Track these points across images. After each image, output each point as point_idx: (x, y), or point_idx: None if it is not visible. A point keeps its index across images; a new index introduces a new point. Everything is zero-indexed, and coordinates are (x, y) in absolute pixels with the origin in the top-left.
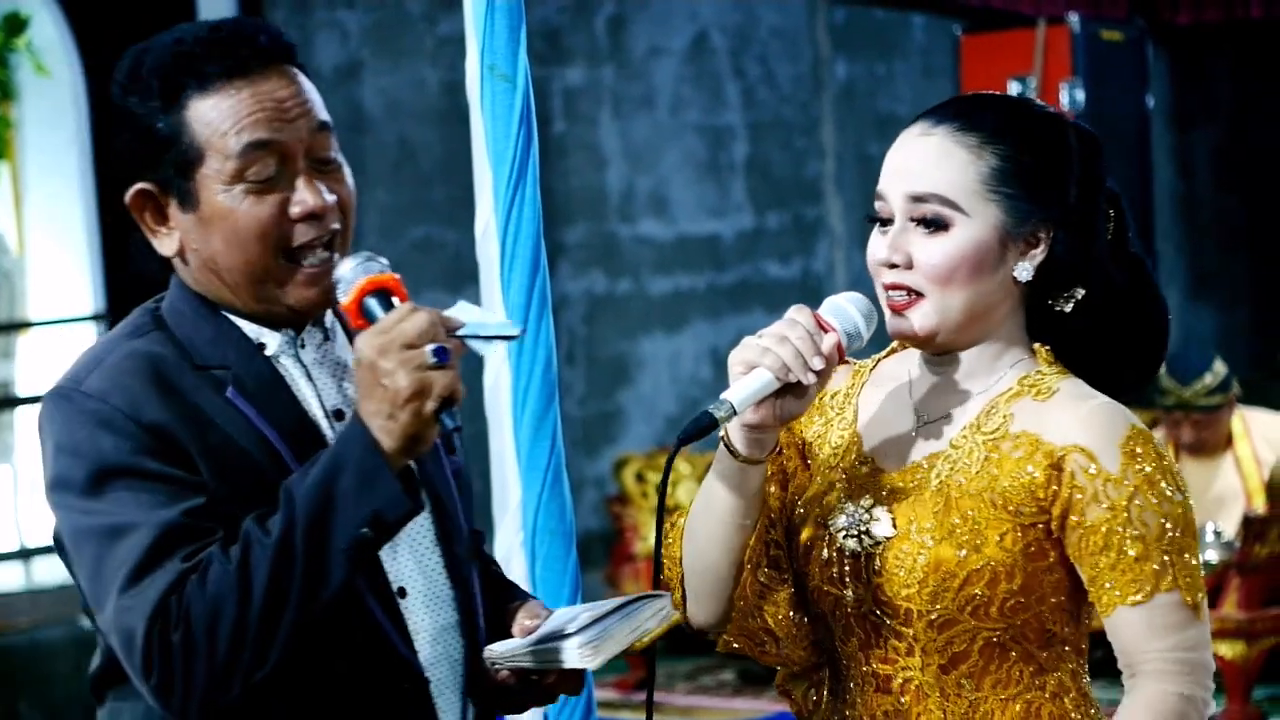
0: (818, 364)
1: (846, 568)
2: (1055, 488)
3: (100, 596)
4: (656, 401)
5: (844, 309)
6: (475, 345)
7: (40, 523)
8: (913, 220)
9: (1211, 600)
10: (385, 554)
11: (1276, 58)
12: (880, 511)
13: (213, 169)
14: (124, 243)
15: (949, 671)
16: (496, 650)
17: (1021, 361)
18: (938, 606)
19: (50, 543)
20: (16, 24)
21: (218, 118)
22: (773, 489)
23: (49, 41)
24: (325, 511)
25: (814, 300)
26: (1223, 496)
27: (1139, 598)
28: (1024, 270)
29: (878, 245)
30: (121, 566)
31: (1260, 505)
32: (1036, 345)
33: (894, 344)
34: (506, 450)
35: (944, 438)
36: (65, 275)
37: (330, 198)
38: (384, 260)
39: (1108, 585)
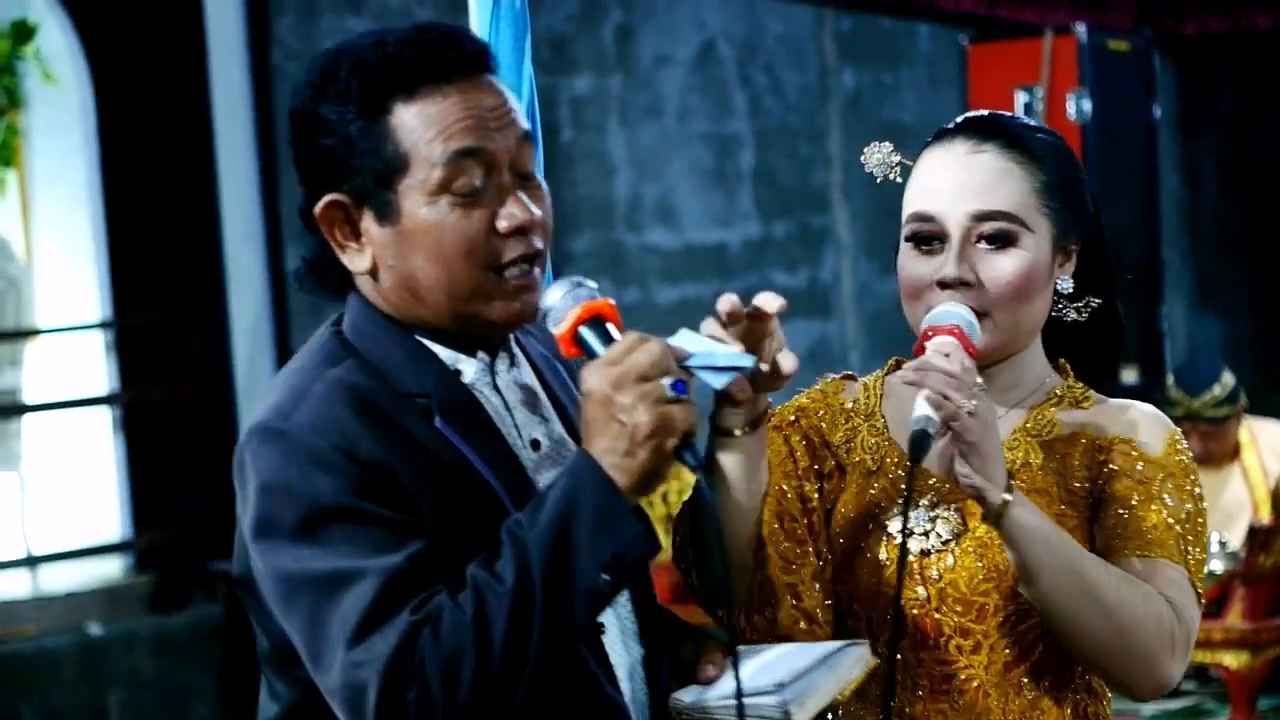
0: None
1: (915, 566)
2: (1101, 473)
3: (320, 651)
4: None
5: (960, 314)
6: (706, 377)
7: (46, 530)
8: (978, 238)
9: (1217, 610)
10: None
11: None
12: (944, 510)
13: (417, 179)
14: (130, 251)
15: (1012, 670)
16: (685, 700)
17: (1051, 373)
18: (1016, 602)
19: (59, 550)
20: (25, 32)
21: (424, 125)
22: (807, 485)
23: (57, 49)
24: (563, 556)
25: (820, 307)
26: (1229, 507)
27: (1147, 553)
28: (1065, 283)
29: (935, 265)
30: (346, 620)
31: (1266, 516)
32: (1060, 359)
33: (895, 358)
34: None
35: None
36: (72, 283)
37: (537, 212)
38: (593, 284)
39: (1118, 541)
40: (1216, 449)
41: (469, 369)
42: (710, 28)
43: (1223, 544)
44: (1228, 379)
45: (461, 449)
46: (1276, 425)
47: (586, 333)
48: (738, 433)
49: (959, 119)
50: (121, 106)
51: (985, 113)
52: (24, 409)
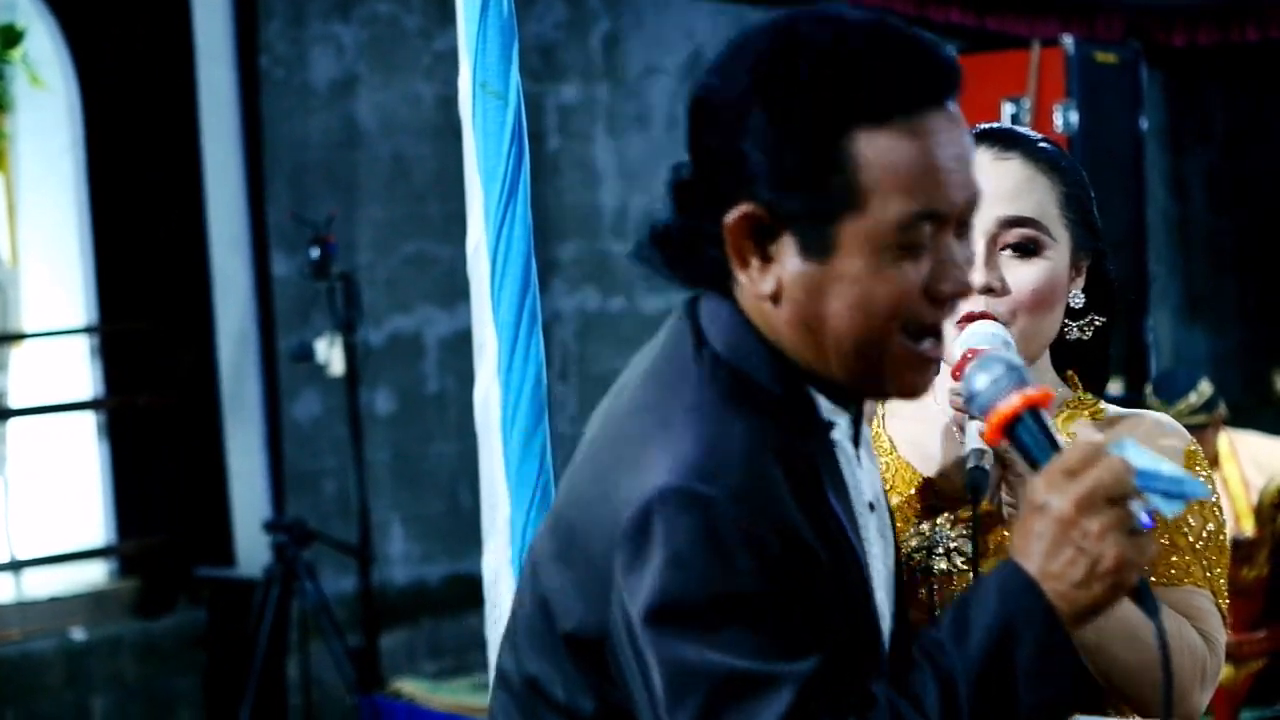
0: None
1: (935, 587)
2: None
3: None
4: None
5: (995, 334)
6: (1158, 502)
7: (31, 534)
8: (1005, 245)
9: None
10: None
11: (1270, 80)
12: (965, 530)
13: (865, 226)
14: (117, 256)
15: None
16: None
17: (1060, 385)
18: None
19: (43, 554)
20: (12, 36)
21: (889, 170)
22: None
23: (44, 53)
24: (997, 692)
25: None
26: None
27: (1176, 581)
28: (1077, 297)
29: None
30: None
31: (1249, 528)
32: (1069, 371)
33: None
34: (496, 467)
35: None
36: (58, 287)
37: (979, 279)
38: (1020, 360)
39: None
40: None
41: (842, 424)
42: (699, 37)
43: None
44: (1205, 387)
45: (842, 519)
46: (1258, 437)
47: (1028, 430)
48: None
49: (975, 129)
50: (108, 111)
51: (999, 124)
52: (8, 413)
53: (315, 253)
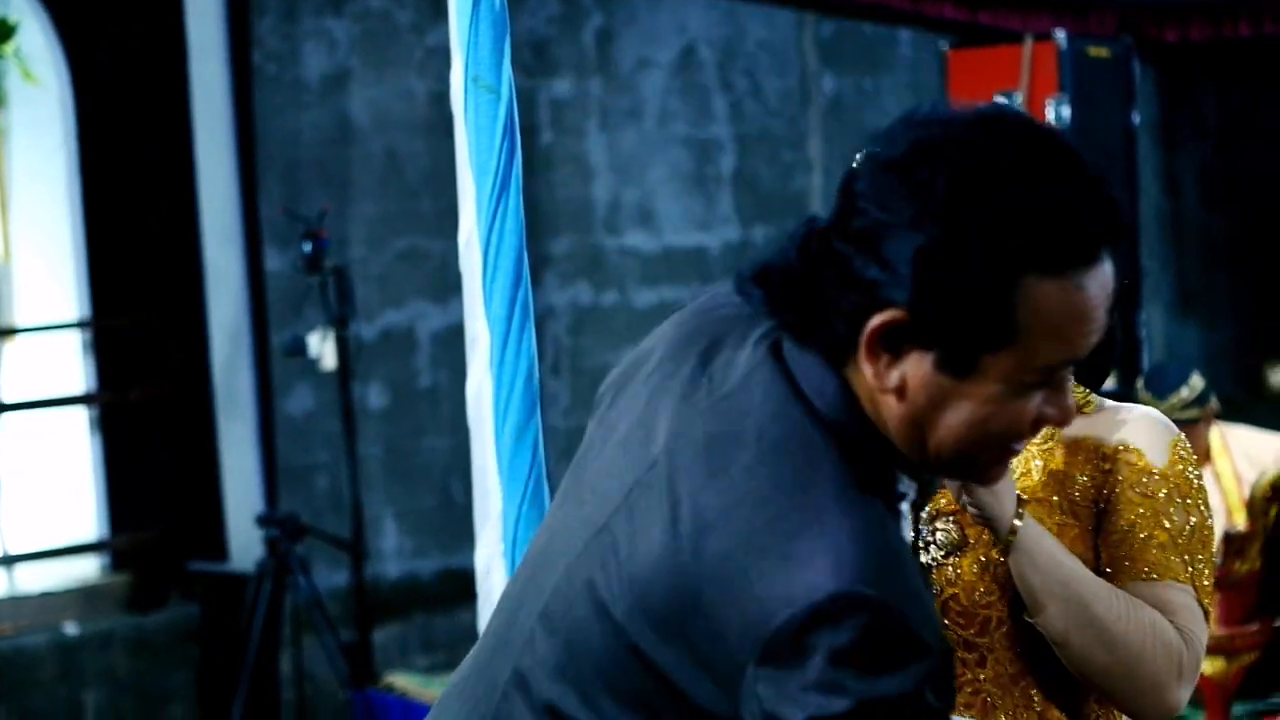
0: None
1: None
2: (1106, 482)
3: None
4: None
5: None
6: None
7: (22, 529)
8: None
9: None
10: None
11: (1263, 76)
12: (943, 523)
13: (1009, 362)
14: (109, 250)
15: (1019, 682)
16: None
17: None
18: (1020, 613)
19: (35, 549)
20: (4, 31)
21: (1047, 318)
22: None
23: (37, 49)
24: None
25: None
26: None
27: (1154, 576)
28: None
29: None
30: None
31: (1241, 522)
32: None
33: None
34: (488, 460)
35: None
36: (50, 282)
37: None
38: None
39: (1126, 563)
40: None
41: (910, 493)
42: (691, 32)
43: None
44: (1196, 381)
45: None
46: (1250, 431)
47: None
48: None
49: None
50: (101, 106)
51: None
52: (0, 408)
53: (308, 247)
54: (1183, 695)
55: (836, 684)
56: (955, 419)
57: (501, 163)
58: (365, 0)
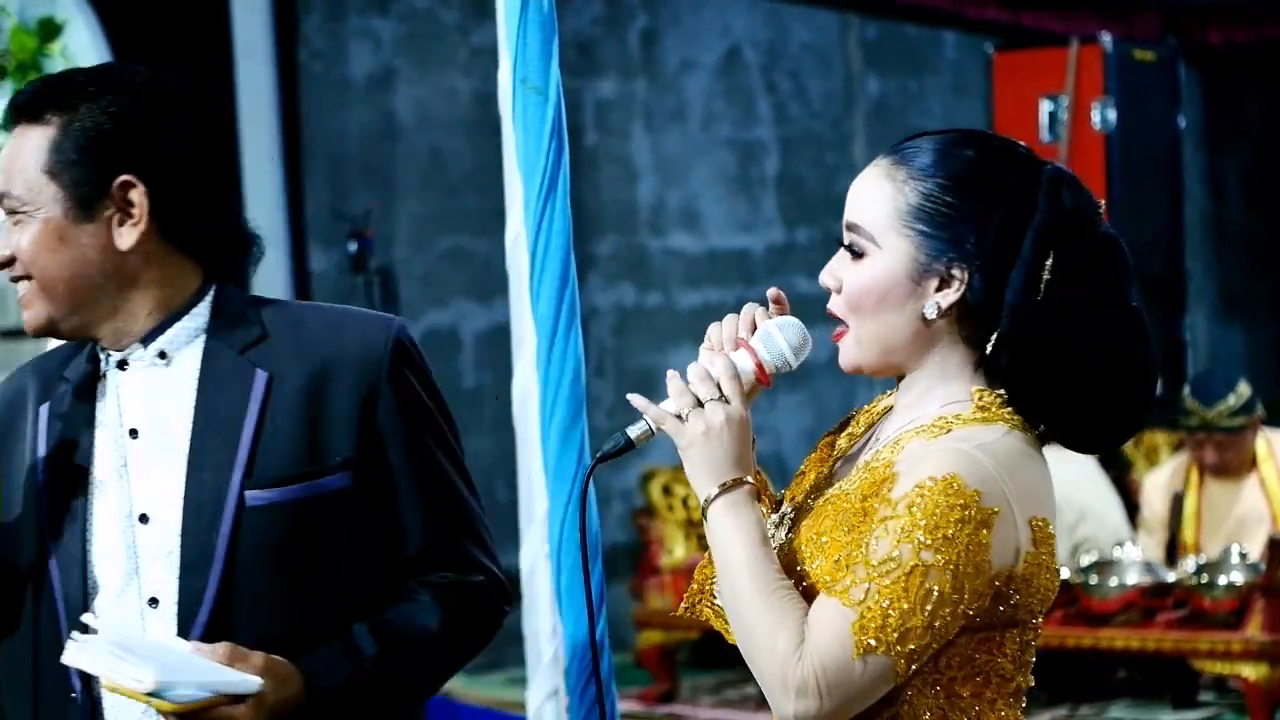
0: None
1: None
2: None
3: None
4: None
5: (773, 338)
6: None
7: None
8: (843, 247)
9: (1236, 622)
10: None
11: None
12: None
13: None
14: None
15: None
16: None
17: (955, 403)
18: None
19: None
20: (51, 30)
21: None
22: None
23: (83, 48)
24: None
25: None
26: (1246, 518)
27: (826, 585)
28: (931, 308)
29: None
30: None
31: None
32: (976, 389)
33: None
34: (534, 461)
35: (863, 465)
36: None
37: None
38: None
39: (820, 572)
40: (1232, 459)
41: None
42: (735, 33)
43: (1242, 555)
44: (1243, 389)
45: None
46: None
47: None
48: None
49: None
50: None
51: (933, 131)
52: None
53: (353, 247)
54: (794, 708)
55: None
56: None
57: (549, 164)
58: (411, 0)
